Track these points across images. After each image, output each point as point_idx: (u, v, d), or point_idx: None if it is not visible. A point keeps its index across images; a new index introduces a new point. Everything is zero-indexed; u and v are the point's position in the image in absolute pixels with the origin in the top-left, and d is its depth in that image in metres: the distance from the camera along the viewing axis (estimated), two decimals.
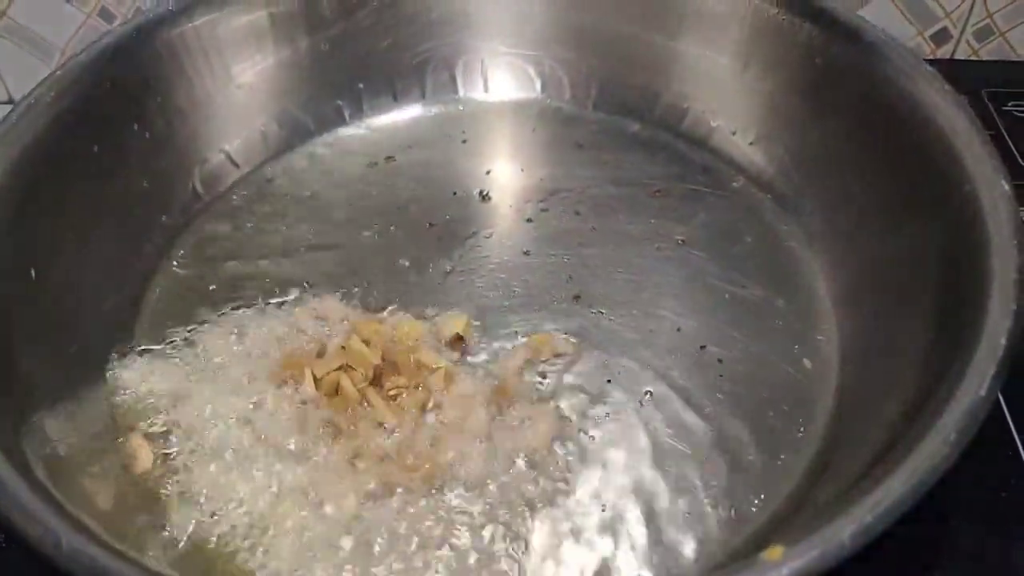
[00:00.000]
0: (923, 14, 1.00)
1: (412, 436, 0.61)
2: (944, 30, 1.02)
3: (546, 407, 0.64)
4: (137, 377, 0.65)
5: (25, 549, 0.44)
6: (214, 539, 0.56)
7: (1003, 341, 0.50)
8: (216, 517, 0.57)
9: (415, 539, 0.56)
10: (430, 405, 0.63)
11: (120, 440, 0.61)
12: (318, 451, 0.60)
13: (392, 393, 0.63)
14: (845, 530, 0.43)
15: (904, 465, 0.46)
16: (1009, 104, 0.95)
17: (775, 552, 0.43)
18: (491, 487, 0.59)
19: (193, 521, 0.57)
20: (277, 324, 0.69)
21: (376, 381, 0.64)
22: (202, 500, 0.58)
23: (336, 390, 0.63)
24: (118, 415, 0.63)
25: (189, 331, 0.69)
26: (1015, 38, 1.02)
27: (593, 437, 0.63)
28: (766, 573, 0.42)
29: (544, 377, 0.66)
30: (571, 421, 0.64)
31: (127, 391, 0.65)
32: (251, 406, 0.63)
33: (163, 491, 0.59)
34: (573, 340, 0.69)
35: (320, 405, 0.62)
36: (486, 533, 0.57)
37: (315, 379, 0.63)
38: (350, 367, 0.63)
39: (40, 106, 0.66)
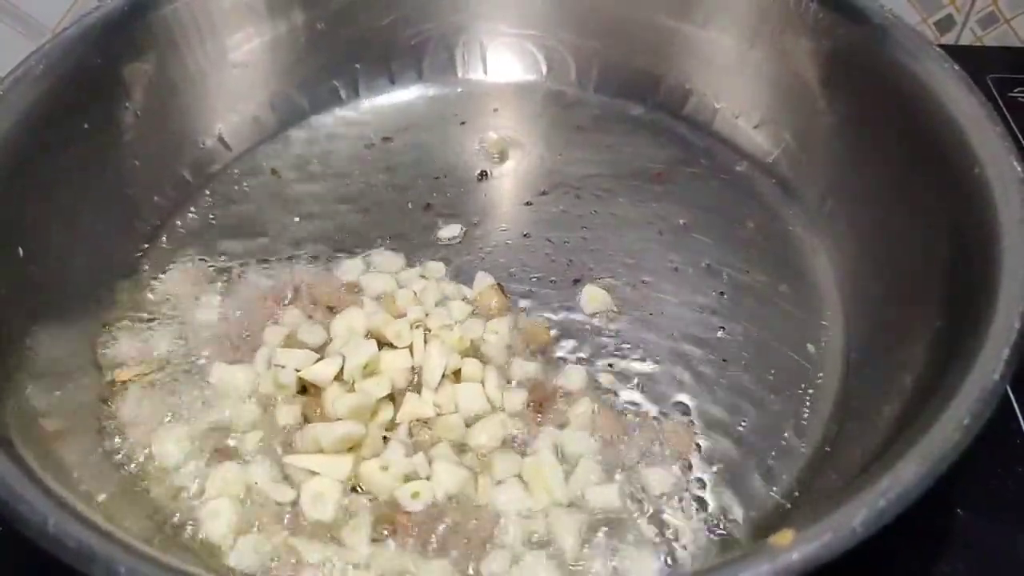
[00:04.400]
0: (928, 0, 0.99)
1: None
2: (949, 16, 1.01)
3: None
4: (126, 346, 0.65)
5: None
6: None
7: (1016, 324, 0.49)
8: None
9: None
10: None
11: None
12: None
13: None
14: (856, 515, 0.42)
15: (916, 450, 0.45)
16: (1014, 91, 0.94)
17: (785, 537, 0.42)
18: None
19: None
20: (266, 302, 0.68)
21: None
22: None
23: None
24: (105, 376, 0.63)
25: (180, 305, 0.68)
26: (1020, 25, 1.01)
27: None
28: (776, 558, 0.41)
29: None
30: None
31: (116, 359, 0.64)
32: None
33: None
34: (554, 330, 0.67)
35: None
36: None
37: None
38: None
39: (28, 80, 0.65)
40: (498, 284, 0.70)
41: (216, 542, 0.54)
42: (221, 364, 0.63)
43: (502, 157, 0.82)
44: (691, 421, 0.62)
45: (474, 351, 0.64)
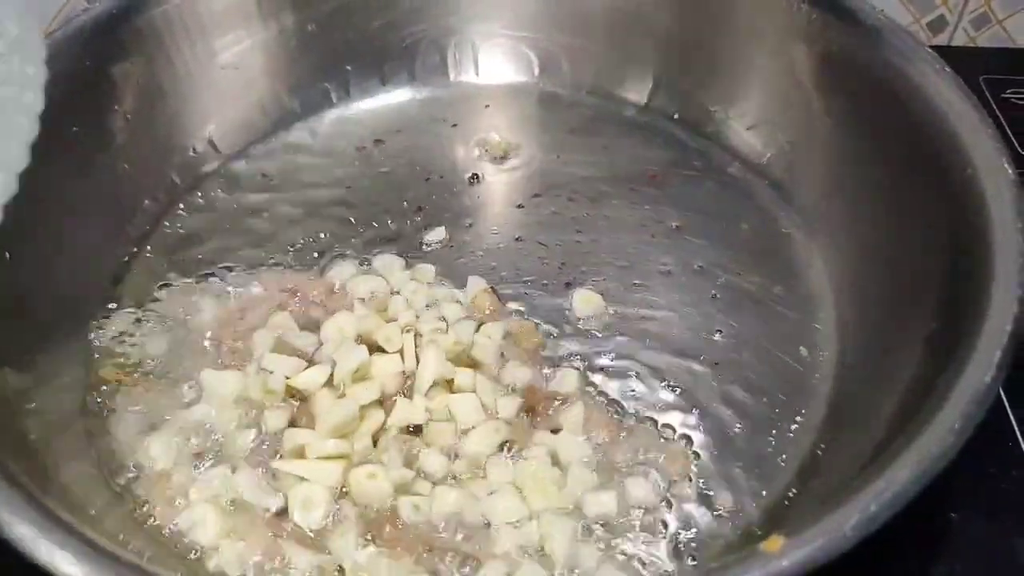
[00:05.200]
0: (920, 1, 0.99)
1: None
2: (941, 17, 1.01)
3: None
4: (115, 350, 0.65)
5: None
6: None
7: (1008, 327, 0.49)
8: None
9: None
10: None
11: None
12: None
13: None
14: (848, 520, 0.42)
15: (908, 453, 0.45)
16: (1007, 92, 0.93)
17: (775, 543, 0.42)
18: None
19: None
20: (256, 306, 0.68)
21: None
22: None
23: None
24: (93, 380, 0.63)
25: (170, 308, 0.68)
26: (1012, 25, 1.01)
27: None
28: (766, 565, 0.40)
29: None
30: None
31: (104, 364, 0.64)
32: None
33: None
34: (553, 331, 0.67)
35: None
36: None
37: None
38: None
39: None
40: (491, 288, 0.69)
41: (202, 547, 0.54)
42: (210, 370, 0.62)
43: (502, 159, 0.82)
44: (684, 424, 0.61)
45: (467, 356, 0.64)
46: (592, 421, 0.61)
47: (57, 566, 0.42)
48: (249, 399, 0.61)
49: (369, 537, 0.54)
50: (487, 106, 0.87)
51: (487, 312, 0.68)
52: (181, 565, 0.53)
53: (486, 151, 0.82)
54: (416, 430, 0.60)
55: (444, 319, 0.66)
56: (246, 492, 0.56)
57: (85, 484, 0.55)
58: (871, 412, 0.56)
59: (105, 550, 0.43)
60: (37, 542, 0.42)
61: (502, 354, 0.65)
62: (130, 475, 0.58)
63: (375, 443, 0.59)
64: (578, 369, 0.64)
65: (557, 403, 0.62)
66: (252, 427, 0.60)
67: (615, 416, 0.62)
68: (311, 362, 0.63)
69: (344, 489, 0.56)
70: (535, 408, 0.61)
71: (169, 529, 0.55)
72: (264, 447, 0.59)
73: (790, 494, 0.57)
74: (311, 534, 0.55)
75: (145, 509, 0.56)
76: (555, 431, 0.60)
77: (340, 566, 0.53)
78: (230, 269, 0.72)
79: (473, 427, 0.59)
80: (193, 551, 0.54)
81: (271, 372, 0.61)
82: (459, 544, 0.54)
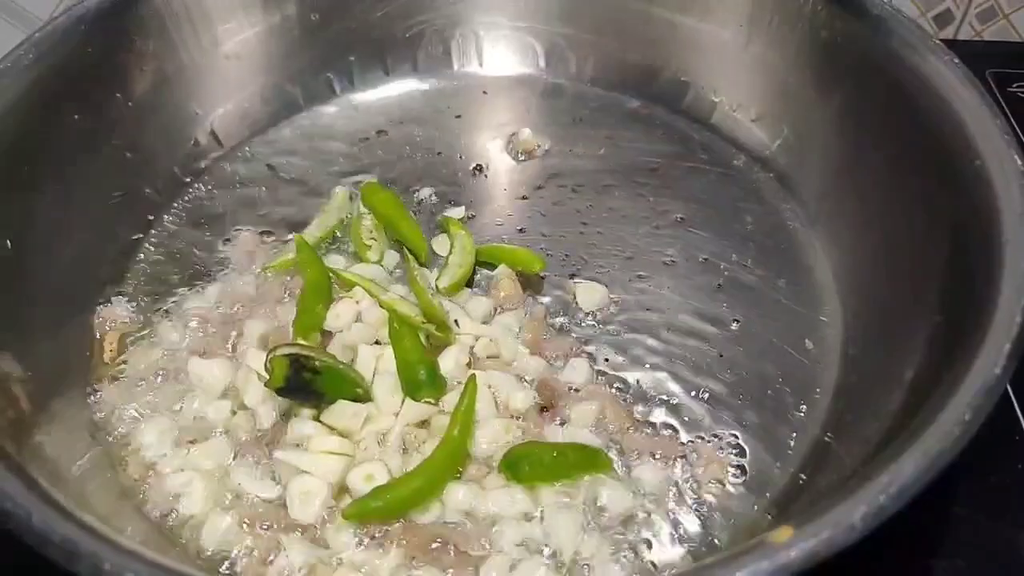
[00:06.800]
0: None
1: None
2: (948, 11, 1.00)
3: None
4: (117, 338, 0.65)
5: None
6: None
7: (1018, 318, 0.48)
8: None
9: None
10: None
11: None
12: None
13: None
14: (856, 511, 0.42)
15: (917, 445, 0.44)
16: (1013, 86, 0.93)
17: (783, 534, 0.41)
18: None
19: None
20: (259, 297, 0.67)
21: None
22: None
23: None
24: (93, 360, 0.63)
25: (170, 298, 0.68)
26: (1019, 19, 1.01)
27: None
28: (774, 556, 0.40)
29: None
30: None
31: (106, 351, 0.64)
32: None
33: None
34: (558, 321, 0.67)
35: None
36: None
37: None
38: None
39: (18, 69, 0.64)
40: (516, 273, 0.68)
41: (193, 517, 0.54)
42: (195, 358, 0.62)
43: (497, 151, 0.81)
44: (690, 416, 0.61)
45: (482, 348, 0.63)
46: (604, 414, 0.60)
47: (50, 544, 0.41)
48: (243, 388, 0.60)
49: (372, 532, 0.53)
50: (491, 99, 0.86)
51: (506, 297, 0.67)
52: (183, 552, 0.52)
53: (520, 152, 0.81)
54: (424, 423, 0.59)
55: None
56: (243, 480, 0.56)
57: (85, 469, 0.55)
58: (877, 403, 0.56)
59: (99, 531, 0.43)
60: (29, 519, 0.42)
61: (516, 344, 0.64)
62: (127, 460, 0.58)
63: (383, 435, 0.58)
64: (584, 361, 0.64)
65: (569, 396, 0.61)
66: (249, 416, 0.59)
67: (623, 407, 0.61)
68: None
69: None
70: (550, 402, 0.61)
71: (164, 513, 0.55)
72: (263, 436, 0.58)
73: (798, 484, 0.57)
74: (314, 526, 0.54)
75: (139, 490, 0.56)
76: (565, 424, 0.60)
77: (339, 559, 0.53)
78: (231, 260, 0.71)
79: (486, 420, 0.58)
80: (177, 520, 0.54)
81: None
82: (463, 539, 0.53)
